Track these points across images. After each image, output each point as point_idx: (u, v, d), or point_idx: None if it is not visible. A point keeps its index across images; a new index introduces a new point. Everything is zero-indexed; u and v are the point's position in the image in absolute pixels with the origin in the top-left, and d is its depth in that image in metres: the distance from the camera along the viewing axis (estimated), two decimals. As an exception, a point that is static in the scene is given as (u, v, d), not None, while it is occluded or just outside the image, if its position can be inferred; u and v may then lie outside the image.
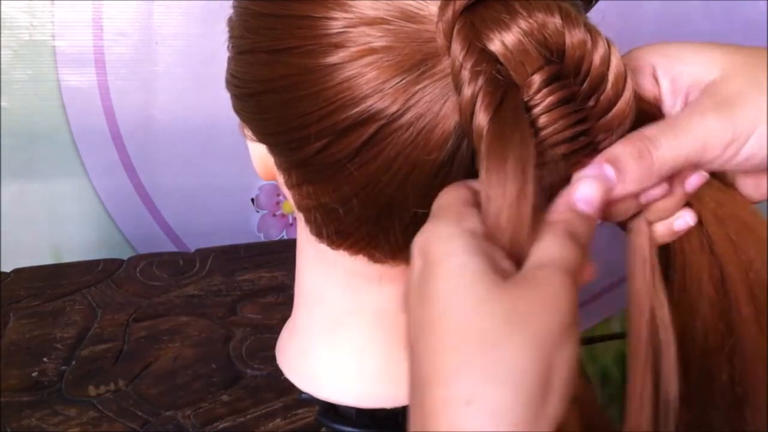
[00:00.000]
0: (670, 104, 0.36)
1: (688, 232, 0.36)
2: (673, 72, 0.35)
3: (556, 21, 0.31)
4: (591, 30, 0.31)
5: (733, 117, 0.32)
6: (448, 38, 0.31)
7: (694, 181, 0.35)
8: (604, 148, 0.33)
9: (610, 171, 0.32)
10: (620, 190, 0.32)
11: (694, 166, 0.34)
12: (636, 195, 0.34)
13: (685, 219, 0.36)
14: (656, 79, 0.35)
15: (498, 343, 0.26)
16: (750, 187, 0.36)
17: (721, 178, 0.36)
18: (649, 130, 0.33)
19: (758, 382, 0.34)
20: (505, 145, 0.30)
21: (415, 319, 0.28)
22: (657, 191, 0.34)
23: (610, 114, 0.32)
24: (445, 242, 0.29)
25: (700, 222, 0.36)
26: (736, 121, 0.32)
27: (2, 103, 0.77)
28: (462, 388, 0.25)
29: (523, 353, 0.26)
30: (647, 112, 0.35)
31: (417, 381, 0.27)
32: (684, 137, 0.32)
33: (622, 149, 0.32)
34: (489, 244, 0.29)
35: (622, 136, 0.33)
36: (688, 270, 0.37)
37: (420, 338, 0.28)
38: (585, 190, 0.32)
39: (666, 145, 0.32)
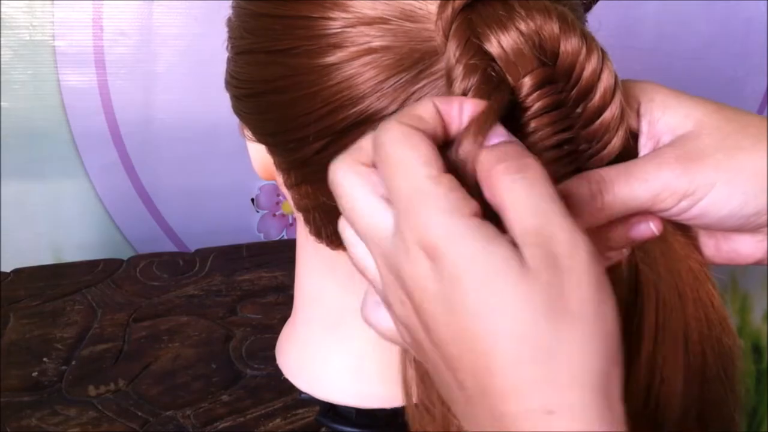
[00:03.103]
0: (643, 144, 0.35)
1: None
2: (652, 115, 0.35)
3: (553, 25, 0.31)
4: (587, 38, 0.31)
5: (691, 171, 0.32)
6: (446, 36, 0.32)
7: (642, 230, 0.34)
8: (588, 158, 0.33)
9: None
10: None
11: (646, 212, 0.33)
12: None
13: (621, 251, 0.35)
14: (639, 116, 0.35)
15: (561, 347, 0.25)
16: (709, 248, 0.36)
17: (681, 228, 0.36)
18: (606, 172, 0.32)
19: None
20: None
21: (447, 332, 0.26)
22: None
23: (595, 124, 0.32)
24: (462, 243, 0.26)
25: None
26: (692, 176, 0.32)
27: (2, 103, 0.77)
28: (540, 399, 0.25)
29: (588, 351, 0.25)
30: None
31: (473, 396, 0.26)
32: (637, 185, 0.32)
33: (576, 186, 0.32)
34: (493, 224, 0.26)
35: (608, 149, 0.33)
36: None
37: (465, 356, 0.26)
38: None
39: (618, 191, 0.32)
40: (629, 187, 0.32)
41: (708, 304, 0.38)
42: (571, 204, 0.31)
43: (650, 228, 0.34)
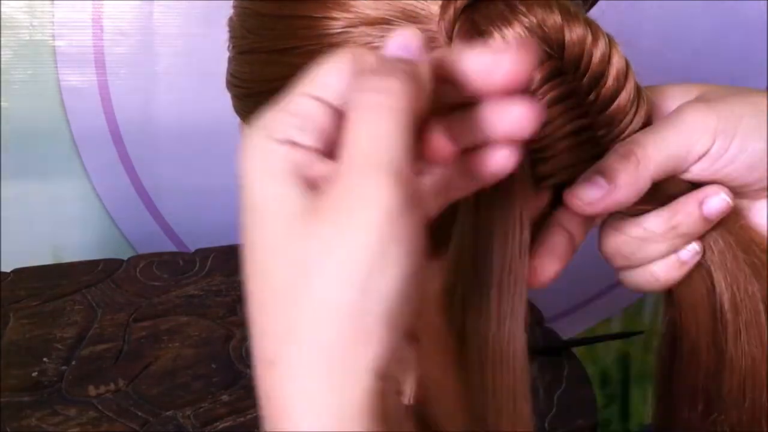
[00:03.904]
0: None
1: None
2: (657, 101, 0.35)
3: (555, 17, 0.31)
4: (591, 25, 0.31)
5: (716, 108, 0.32)
6: (449, 36, 0.32)
7: (715, 204, 0.33)
8: (608, 143, 0.33)
9: (600, 180, 0.32)
10: (615, 195, 0.32)
11: (685, 166, 0.33)
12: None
13: (693, 246, 0.34)
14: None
15: (296, 294, 0.22)
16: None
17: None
18: (635, 135, 0.33)
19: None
20: None
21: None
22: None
23: (611, 108, 0.32)
24: (260, 176, 0.24)
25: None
26: (719, 111, 0.32)
27: (2, 103, 0.77)
28: (266, 349, 0.23)
29: (323, 297, 0.22)
30: None
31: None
32: (665, 132, 0.32)
33: (609, 157, 0.32)
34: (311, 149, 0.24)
35: (628, 131, 0.33)
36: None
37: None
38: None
39: (648, 143, 0.32)
40: (659, 136, 0.32)
41: None
42: (609, 175, 0.31)
43: (723, 199, 0.33)
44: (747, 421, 0.34)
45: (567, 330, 1.09)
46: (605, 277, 1.07)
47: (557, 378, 0.57)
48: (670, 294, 0.36)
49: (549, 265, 0.33)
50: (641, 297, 1.11)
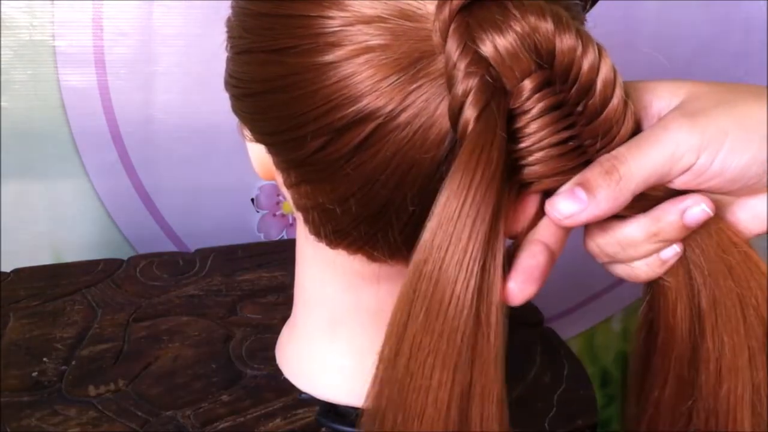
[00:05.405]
0: (645, 128, 0.36)
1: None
2: (644, 101, 0.35)
3: (547, 26, 0.31)
4: (582, 36, 0.31)
5: (701, 124, 0.32)
6: (444, 37, 0.32)
7: (695, 214, 0.33)
8: (594, 152, 0.33)
9: (581, 193, 0.32)
10: (594, 210, 0.32)
11: (667, 180, 0.33)
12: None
13: (674, 247, 0.35)
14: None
15: None
16: (747, 219, 0.35)
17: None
18: (617, 149, 0.33)
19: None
20: (480, 148, 0.30)
21: None
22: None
23: (598, 120, 0.32)
24: None
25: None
26: (703, 128, 0.32)
27: (2, 103, 0.77)
28: None
29: None
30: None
31: None
32: (648, 148, 0.32)
33: (591, 170, 0.32)
34: None
35: (615, 141, 0.33)
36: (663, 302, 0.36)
37: None
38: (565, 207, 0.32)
39: (631, 158, 0.32)
40: (642, 152, 0.32)
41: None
42: (590, 189, 0.32)
43: (703, 209, 0.33)
44: (723, 410, 0.35)
45: (567, 330, 1.09)
46: (605, 277, 1.07)
47: (557, 378, 0.57)
48: (651, 283, 0.37)
49: (527, 289, 0.33)
50: (641, 297, 1.11)
